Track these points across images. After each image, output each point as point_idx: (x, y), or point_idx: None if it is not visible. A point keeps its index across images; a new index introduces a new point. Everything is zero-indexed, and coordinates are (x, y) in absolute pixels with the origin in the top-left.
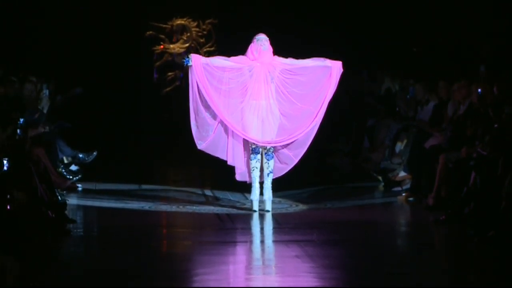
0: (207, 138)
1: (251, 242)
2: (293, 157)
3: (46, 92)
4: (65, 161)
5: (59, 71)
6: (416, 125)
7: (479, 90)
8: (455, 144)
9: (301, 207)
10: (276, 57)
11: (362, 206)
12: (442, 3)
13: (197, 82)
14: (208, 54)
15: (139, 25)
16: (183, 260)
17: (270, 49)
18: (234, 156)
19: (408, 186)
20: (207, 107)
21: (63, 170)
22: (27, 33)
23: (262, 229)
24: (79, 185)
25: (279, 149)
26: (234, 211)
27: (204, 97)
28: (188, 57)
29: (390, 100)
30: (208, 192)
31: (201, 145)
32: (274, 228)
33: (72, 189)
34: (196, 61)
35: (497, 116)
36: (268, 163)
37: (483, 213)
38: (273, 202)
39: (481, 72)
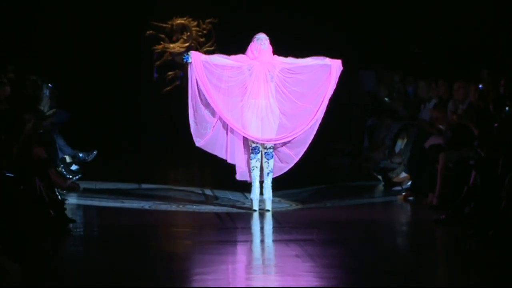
0: (205, 135)
1: (251, 241)
2: (293, 156)
3: (46, 92)
4: (66, 161)
5: (59, 71)
6: (417, 125)
7: (480, 86)
8: (455, 144)
9: (301, 206)
10: (276, 56)
11: (362, 205)
12: (442, 3)
13: (196, 79)
14: (208, 53)
15: (139, 25)
16: (183, 259)
17: (270, 48)
18: (234, 155)
19: (408, 185)
20: (206, 104)
21: (63, 170)
22: (26, 32)
23: (262, 228)
24: (79, 184)
25: (279, 148)
26: (234, 210)
27: (203, 95)
28: (187, 54)
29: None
30: (208, 192)
31: (199, 142)
32: (274, 227)
33: (72, 189)
34: (195, 58)
35: (497, 114)
36: (268, 163)
37: (483, 213)
38: (273, 201)
39: (482, 72)
